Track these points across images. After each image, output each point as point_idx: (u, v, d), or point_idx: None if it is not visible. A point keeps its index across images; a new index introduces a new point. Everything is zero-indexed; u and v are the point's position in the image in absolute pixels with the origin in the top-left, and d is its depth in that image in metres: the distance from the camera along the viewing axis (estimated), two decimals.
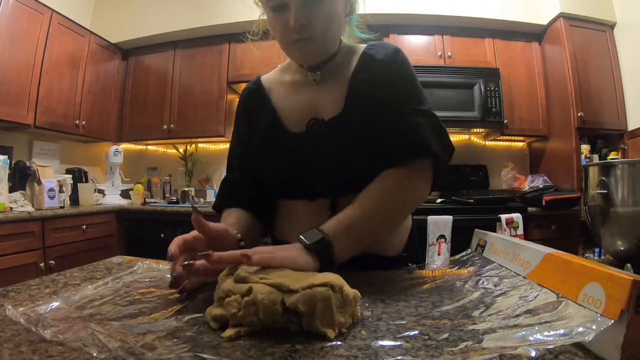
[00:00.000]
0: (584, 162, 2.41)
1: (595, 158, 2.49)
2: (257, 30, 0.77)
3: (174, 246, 0.50)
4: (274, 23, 0.65)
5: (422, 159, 0.63)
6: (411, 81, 0.69)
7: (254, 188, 0.75)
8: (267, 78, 0.80)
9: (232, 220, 0.68)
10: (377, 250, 0.69)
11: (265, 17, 0.71)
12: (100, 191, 2.84)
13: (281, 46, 0.68)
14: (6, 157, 2.01)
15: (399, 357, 0.31)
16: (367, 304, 0.45)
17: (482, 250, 0.68)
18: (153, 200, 2.91)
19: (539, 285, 0.45)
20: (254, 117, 0.75)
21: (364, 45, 0.75)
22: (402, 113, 0.65)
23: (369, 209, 0.59)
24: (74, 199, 2.52)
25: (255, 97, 0.77)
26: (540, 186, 2.42)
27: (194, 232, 0.53)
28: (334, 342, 0.35)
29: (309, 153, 0.68)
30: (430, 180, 0.66)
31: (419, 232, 0.69)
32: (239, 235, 0.61)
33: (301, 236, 0.53)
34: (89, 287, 0.51)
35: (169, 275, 0.59)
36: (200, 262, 0.47)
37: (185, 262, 0.47)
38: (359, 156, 0.66)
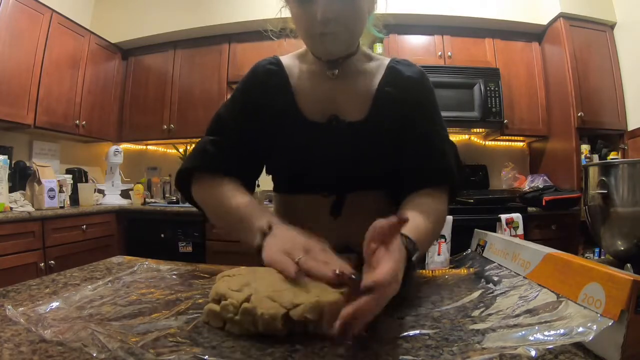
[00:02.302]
0: (584, 162, 2.41)
1: (595, 158, 2.49)
2: (277, 26, 0.76)
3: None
4: (298, 15, 0.64)
5: (446, 184, 0.67)
6: (436, 104, 0.73)
7: (248, 158, 0.70)
8: (285, 59, 0.76)
9: (253, 200, 0.62)
10: None
11: (284, 12, 0.70)
12: (100, 191, 2.84)
13: (304, 38, 0.68)
14: (6, 157, 2.01)
15: (398, 357, 0.31)
16: None
17: (482, 250, 0.68)
18: (153, 200, 2.91)
19: (539, 285, 0.45)
20: (270, 91, 0.72)
21: (384, 58, 0.76)
22: (434, 138, 0.68)
23: (428, 226, 0.57)
24: (74, 199, 2.52)
25: (275, 72, 0.73)
26: (540, 186, 2.42)
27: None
28: (334, 342, 0.35)
29: (324, 147, 0.68)
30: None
31: None
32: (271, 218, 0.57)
33: (409, 246, 0.46)
34: (89, 287, 0.50)
35: (168, 276, 0.59)
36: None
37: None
38: (373, 162, 0.68)
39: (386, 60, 0.75)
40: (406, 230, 0.49)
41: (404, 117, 0.69)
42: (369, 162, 0.68)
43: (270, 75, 0.73)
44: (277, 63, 0.75)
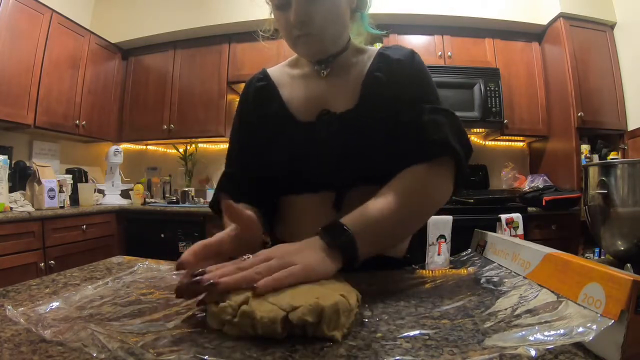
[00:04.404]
0: (584, 162, 2.41)
1: (595, 158, 2.49)
2: (269, 28, 0.78)
3: (188, 254, 0.43)
4: (278, 20, 0.67)
5: (444, 157, 0.61)
6: (428, 81, 0.70)
7: (255, 183, 0.73)
8: (273, 71, 0.79)
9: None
10: (382, 251, 0.69)
11: (272, 16, 0.72)
12: (100, 191, 2.84)
13: (287, 43, 0.69)
14: (6, 157, 2.01)
15: (398, 357, 0.31)
16: (367, 304, 0.45)
17: (482, 250, 0.67)
18: (153, 200, 2.92)
19: (539, 285, 0.45)
20: (262, 108, 0.74)
21: (375, 47, 0.76)
22: (423, 110, 0.64)
23: (396, 204, 0.56)
24: (74, 199, 2.52)
25: (264, 88, 0.76)
26: (540, 186, 2.42)
27: (218, 236, 0.50)
28: (334, 342, 0.35)
29: (317, 143, 0.68)
30: (452, 178, 0.63)
31: (419, 232, 0.70)
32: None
33: (321, 231, 0.49)
34: (89, 287, 0.50)
35: (168, 276, 0.59)
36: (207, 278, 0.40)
37: (194, 278, 0.39)
38: (369, 151, 0.66)
39: (375, 50, 0.75)
40: (346, 218, 0.52)
41: (395, 100, 0.67)
42: (363, 152, 0.67)
43: (260, 91, 0.76)
44: (265, 77, 0.77)
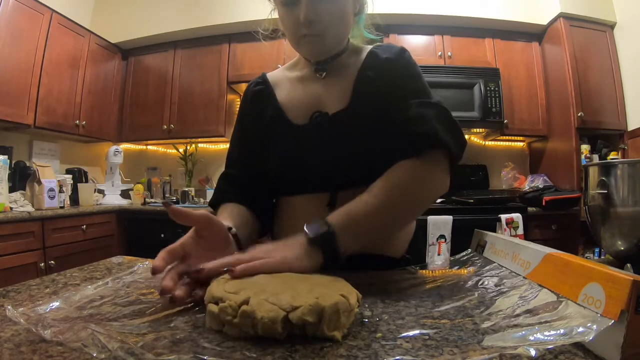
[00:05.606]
0: (584, 162, 2.41)
1: (595, 158, 2.49)
2: (268, 28, 0.79)
3: (157, 260, 0.46)
4: (284, 18, 0.67)
5: (433, 150, 0.61)
6: (418, 77, 0.70)
7: (253, 184, 0.74)
8: (272, 74, 0.80)
9: (225, 215, 0.66)
10: (380, 251, 0.69)
11: (275, 14, 0.72)
12: (100, 191, 2.84)
13: (290, 41, 0.69)
14: (6, 157, 2.00)
15: (398, 357, 0.31)
16: (367, 304, 0.45)
17: (482, 250, 0.68)
18: (153, 200, 2.91)
19: (539, 285, 0.45)
20: (259, 111, 0.75)
21: (370, 46, 0.77)
22: (411, 105, 0.64)
23: (382, 199, 0.56)
24: (74, 199, 2.52)
25: (261, 91, 0.77)
26: (540, 186, 2.42)
27: (182, 239, 0.51)
28: (334, 342, 0.35)
29: (311, 145, 0.68)
30: (447, 171, 0.63)
31: (419, 231, 0.70)
32: (229, 224, 0.58)
33: (305, 228, 0.51)
34: (89, 287, 0.50)
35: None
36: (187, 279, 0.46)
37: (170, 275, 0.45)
38: (361, 151, 0.67)
39: (368, 48, 0.75)
40: (331, 215, 0.54)
41: (386, 98, 0.67)
42: (356, 152, 0.67)
43: (257, 96, 0.77)
44: (264, 81, 0.78)
